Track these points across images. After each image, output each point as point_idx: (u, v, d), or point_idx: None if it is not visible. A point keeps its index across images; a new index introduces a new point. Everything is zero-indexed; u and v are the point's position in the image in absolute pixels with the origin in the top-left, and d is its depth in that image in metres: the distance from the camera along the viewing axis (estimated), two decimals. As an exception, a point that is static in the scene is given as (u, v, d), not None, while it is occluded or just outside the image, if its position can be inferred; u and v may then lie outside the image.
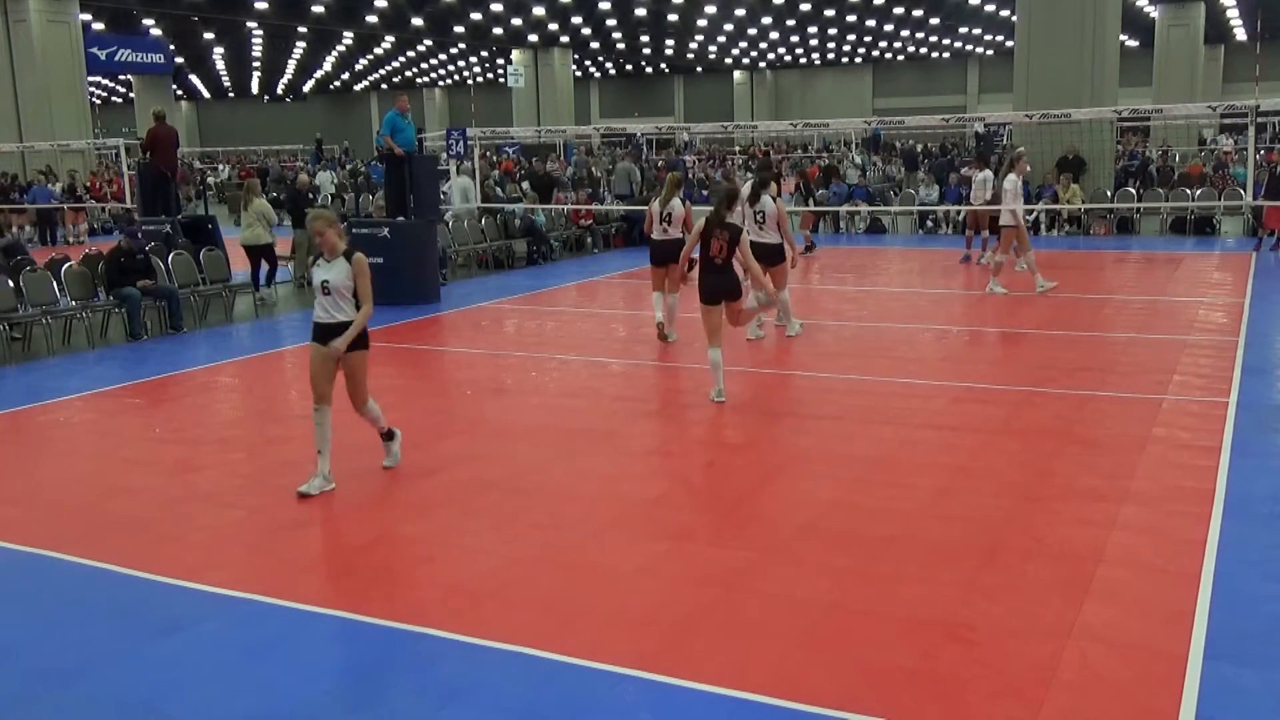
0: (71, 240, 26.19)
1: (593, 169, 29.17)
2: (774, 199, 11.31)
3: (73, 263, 13.61)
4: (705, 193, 31.73)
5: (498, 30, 44.64)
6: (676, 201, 11.49)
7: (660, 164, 29.40)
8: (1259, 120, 18.53)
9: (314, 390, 7.01)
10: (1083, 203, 20.99)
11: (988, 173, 18.04)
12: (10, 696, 4.58)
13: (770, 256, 11.07)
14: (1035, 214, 21.76)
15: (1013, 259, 15.36)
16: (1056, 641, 4.72)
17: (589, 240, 21.66)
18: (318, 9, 37.36)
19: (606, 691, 4.44)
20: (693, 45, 55.84)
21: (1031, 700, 4.27)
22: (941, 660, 4.62)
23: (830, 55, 65.52)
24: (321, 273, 6.92)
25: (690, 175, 29.20)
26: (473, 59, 61.92)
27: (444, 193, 19.85)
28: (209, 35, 48.04)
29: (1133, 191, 22.36)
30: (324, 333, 6.94)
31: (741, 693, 4.37)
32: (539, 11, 40.60)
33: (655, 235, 11.61)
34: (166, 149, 15.67)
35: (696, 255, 9.28)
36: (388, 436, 7.49)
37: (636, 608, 5.19)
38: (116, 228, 22.21)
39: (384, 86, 72.36)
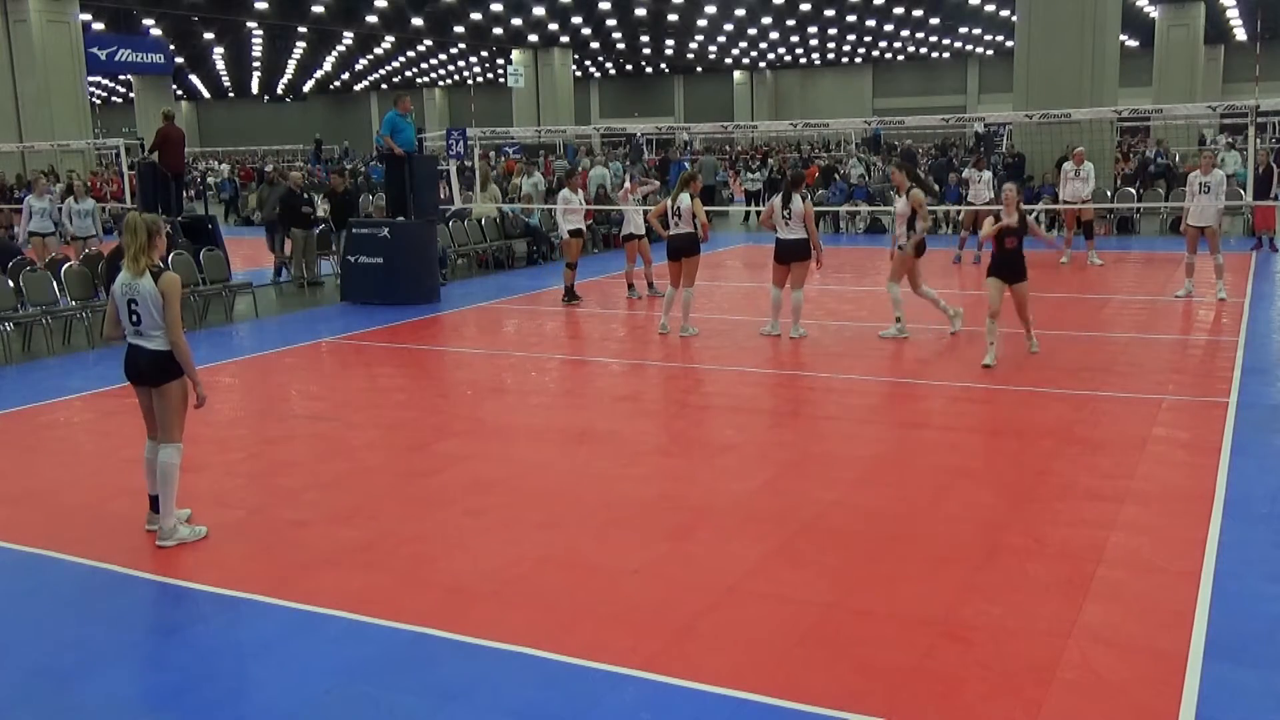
0: (71, 240, 26.09)
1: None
2: (803, 199, 11.73)
3: (73, 262, 13.62)
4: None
5: (498, 30, 44.64)
6: (685, 197, 11.95)
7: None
8: (1259, 120, 18.51)
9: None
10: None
11: (987, 173, 18.08)
12: (10, 696, 4.58)
13: (797, 253, 11.61)
14: (1035, 214, 21.77)
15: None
16: (1056, 641, 4.72)
17: (588, 240, 21.61)
18: (318, 9, 37.36)
19: (607, 692, 4.44)
20: (693, 45, 55.86)
21: (1031, 700, 4.27)
22: (941, 660, 4.62)
23: (830, 55, 65.53)
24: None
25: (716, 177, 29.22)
26: (473, 59, 61.94)
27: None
28: (209, 35, 48.05)
29: (1133, 191, 22.35)
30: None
31: (741, 693, 4.37)
32: (539, 11, 40.61)
33: (669, 230, 12.10)
34: (175, 149, 15.67)
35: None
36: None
37: (637, 608, 5.19)
38: (116, 228, 22.15)
39: (384, 86, 72.36)
